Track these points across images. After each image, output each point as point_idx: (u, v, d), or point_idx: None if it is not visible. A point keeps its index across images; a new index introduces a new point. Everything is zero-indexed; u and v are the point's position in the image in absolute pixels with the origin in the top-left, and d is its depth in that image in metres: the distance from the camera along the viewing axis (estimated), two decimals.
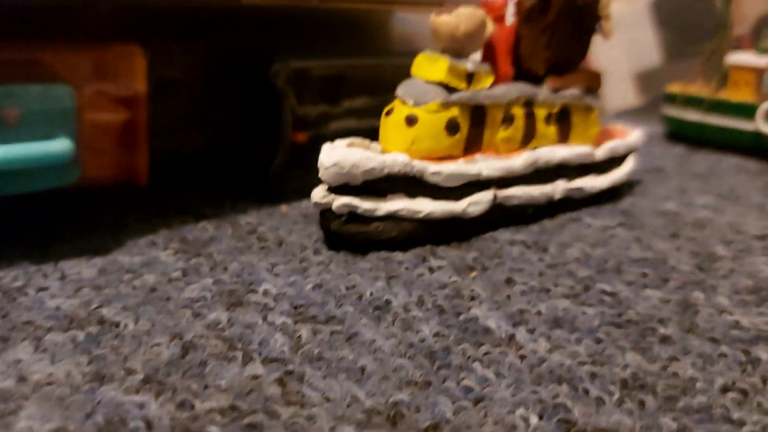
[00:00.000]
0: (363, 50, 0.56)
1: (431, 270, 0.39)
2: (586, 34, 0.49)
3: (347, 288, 0.36)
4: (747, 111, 0.67)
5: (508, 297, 0.36)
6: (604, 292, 0.37)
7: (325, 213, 0.41)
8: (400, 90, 0.43)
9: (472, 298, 0.36)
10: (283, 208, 0.48)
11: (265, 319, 0.32)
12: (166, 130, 0.48)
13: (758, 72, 0.69)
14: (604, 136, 0.54)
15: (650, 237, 0.45)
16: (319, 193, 0.40)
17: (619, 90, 0.90)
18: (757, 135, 0.67)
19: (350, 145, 0.42)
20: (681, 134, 0.74)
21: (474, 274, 0.39)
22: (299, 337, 0.31)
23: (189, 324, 0.32)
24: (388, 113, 0.43)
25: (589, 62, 0.52)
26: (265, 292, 0.36)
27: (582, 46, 0.49)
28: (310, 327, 0.32)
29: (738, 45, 0.80)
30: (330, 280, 0.37)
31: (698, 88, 0.73)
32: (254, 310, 0.33)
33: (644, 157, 0.68)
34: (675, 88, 0.74)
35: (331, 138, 0.45)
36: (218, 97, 0.50)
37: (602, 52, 0.91)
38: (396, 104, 0.43)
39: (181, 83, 0.49)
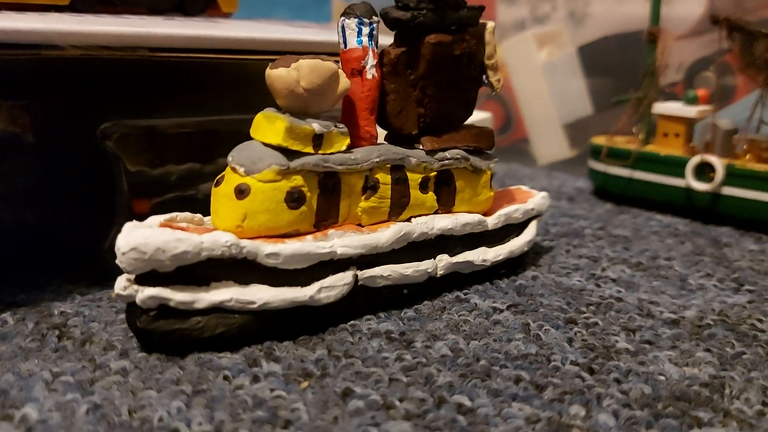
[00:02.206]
0: (256, 103, 0.49)
1: (256, 379, 0.32)
2: (470, 87, 0.43)
3: (132, 411, 0.29)
4: (676, 165, 0.61)
5: (335, 420, 0.29)
6: (459, 407, 0.30)
7: (131, 307, 0.34)
8: (231, 155, 0.36)
9: (287, 424, 0.28)
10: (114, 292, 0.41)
11: None
12: None
13: (687, 123, 0.63)
14: (504, 200, 0.48)
15: (541, 323, 0.38)
16: (120, 283, 0.33)
17: (551, 141, 0.84)
18: (688, 192, 0.61)
19: (168, 222, 0.35)
20: (608, 190, 0.68)
21: (306, 384, 0.31)
22: None
23: None
24: (217, 183, 0.36)
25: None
26: (22, 419, 0.28)
27: (465, 101, 0.43)
28: None
29: (672, 93, 0.75)
30: (117, 398, 0.30)
31: (624, 141, 0.67)
32: None
33: (565, 217, 0.61)
34: (600, 140, 0.68)
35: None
36: (49, 163, 0.43)
37: (533, 102, 0.86)
38: (227, 172, 0.36)
39: (6, 147, 0.41)
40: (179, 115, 0.43)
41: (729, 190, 0.58)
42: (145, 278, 0.33)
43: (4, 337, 0.35)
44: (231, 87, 0.45)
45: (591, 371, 0.33)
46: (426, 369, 0.33)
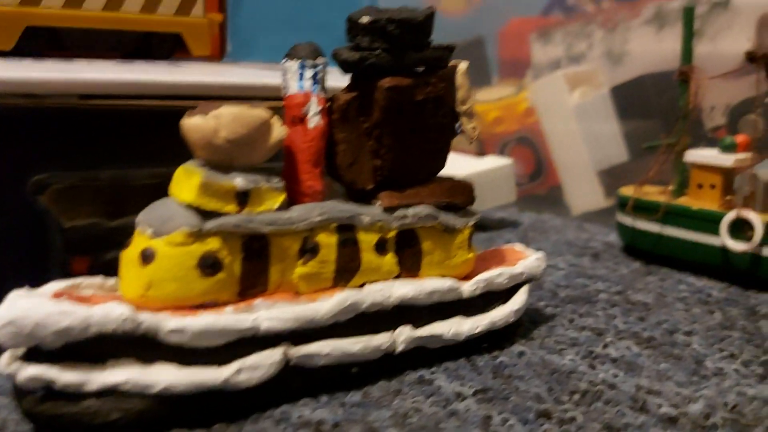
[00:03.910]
0: None
1: None
2: (439, 137, 0.38)
3: None
4: (710, 221, 0.54)
5: None
6: None
7: (17, 387, 0.30)
8: (141, 214, 0.32)
9: None
10: None
11: None
12: None
13: (724, 173, 0.55)
14: (492, 261, 0.42)
15: (507, 417, 0.32)
16: (4, 360, 0.29)
17: (585, 189, 0.77)
18: (725, 252, 0.53)
19: (69, 289, 0.31)
20: (637, 247, 0.60)
21: None
22: None
23: None
24: (126, 245, 0.32)
25: None
26: None
27: (434, 152, 0.38)
28: None
29: (715, 139, 0.67)
30: None
31: (655, 192, 0.60)
32: None
33: (581, 278, 0.55)
34: (628, 190, 0.61)
35: None
36: None
37: (565, 147, 0.79)
38: (136, 234, 0.32)
39: None
40: (119, 167, 0.39)
41: None
42: (31, 354, 0.29)
43: None
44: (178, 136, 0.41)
45: None
46: None
